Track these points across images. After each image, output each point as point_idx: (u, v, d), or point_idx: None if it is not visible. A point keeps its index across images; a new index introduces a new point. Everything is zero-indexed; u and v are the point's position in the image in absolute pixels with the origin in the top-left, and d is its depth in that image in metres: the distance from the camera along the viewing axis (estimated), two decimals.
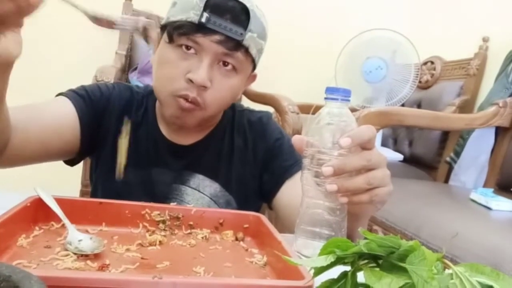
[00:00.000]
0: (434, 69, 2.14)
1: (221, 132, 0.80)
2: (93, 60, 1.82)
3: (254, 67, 0.76)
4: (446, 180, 1.79)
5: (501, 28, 1.91)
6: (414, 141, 2.04)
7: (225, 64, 0.68)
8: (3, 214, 0.46)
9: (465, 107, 1.86)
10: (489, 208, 1.05)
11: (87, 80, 1.53)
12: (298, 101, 1.69)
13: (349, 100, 0.52)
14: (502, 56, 1.77)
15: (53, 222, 0.54)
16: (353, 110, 1.59)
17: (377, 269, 0.33)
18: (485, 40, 1.95)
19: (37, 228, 0.53)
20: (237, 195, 0.78)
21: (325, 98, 0.52)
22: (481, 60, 1.92)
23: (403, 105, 2.02)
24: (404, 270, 0.32)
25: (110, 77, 1.36)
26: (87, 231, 0.54)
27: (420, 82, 2.10)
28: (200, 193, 0.76)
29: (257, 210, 0.84)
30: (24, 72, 2.00)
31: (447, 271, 0.35)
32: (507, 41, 1.80)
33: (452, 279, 0.32)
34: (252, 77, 0.79)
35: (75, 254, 0.46)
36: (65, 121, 0.70)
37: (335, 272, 0.36)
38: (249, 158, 0.79)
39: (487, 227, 0.94)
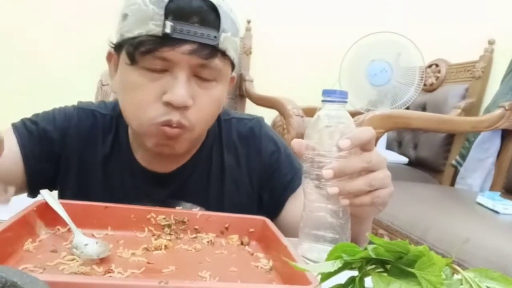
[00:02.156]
0: (439, 71, 2.13)
1: (208, 151, 0.71)
2: (97, 64, 1.83)
3: (233, 69, 0.66)
4: (452, 184, 1.77)
5: (507, 30, 1.90)
6: (419, 144, 2.03)
7: (203, 75, 0.59)
8: (10, 219, 0.46)
9: (471, 110, 1.85)
10: (496, 212, 1.04)
11: (91, 85, 1.54)
12: (303, 105, 1.69)
13: (346, 101, 0.52)
14: (508, 59, 1.76)
15: (59, 227, 0.54)
16: (357, 113, 1.60)
17: (385, 274, 0.33)
18: (491, 42, 1.94)
19: (43, 232, 0.53)
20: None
21: (322, 101, 0.52)
22: (486, 62, 1.91)
23: (408, 108, 2.01)
24: (412, 276, 0.31)
25: None
26: (93, 235, 0.54)
27: (425, 85, 2.10)
28: None
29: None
30: (28, 77, 2.04)
31: (456, 277, 0.34)
32: None
33: (461, 284, 0.32)
34: (232, 80, 0.69)
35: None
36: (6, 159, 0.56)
37: (341, 277, 0.35)
38: (243, 178, 0.72)
39: (495, 231, 0.93)
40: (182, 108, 0.58)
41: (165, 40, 0.55)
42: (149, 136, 0.61)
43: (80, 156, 0.69)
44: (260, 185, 0.73)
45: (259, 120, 0.77)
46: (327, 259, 0.34)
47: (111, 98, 1.34)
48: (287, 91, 1.88)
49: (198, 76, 0.59)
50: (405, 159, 2.01)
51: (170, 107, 0.57)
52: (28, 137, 0.66)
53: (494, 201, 1.07)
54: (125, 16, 0.59)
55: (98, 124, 0.70)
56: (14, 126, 0.67)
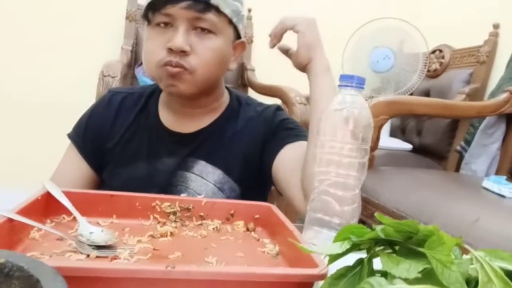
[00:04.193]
0: (443, 57, 2.10)
1: (225, 121, 0.81)
2: (99, 55, 1.83)
3: (237, 33, 0.76)
4: (457, 170, 1.76)
5: None
6: (423, 131, 2.01)
7: (201, 28, 0.70)
8: (15, 208, 0.46)
9: (475, 95, 1.82)
10: (502, 196, 1.03)
11: (93, 76, 1.54)
12: (306, 93, 1.67)
13: (363, 88, 0.51)
14: None
15: (64, 215, 0.54)
16: None
17: (394, 255, 0.32)
18: (496, 26, 1.91)
19: (48, 221, 0.53)
20: (240, 180, 0.78)
21: (339, 86, 0.51)
22: (491, 47, 1.88)
23: (411, 94, 1.99)
24: (422, 256, 0.31)
25: (116, 72, 1.36)
26: (98, 224, 0.54)
27: (428, 71, 2.07)
28: (203, 179, 0.77)
29: (264, 197, 0.86)
30: (30, 69, 2.04)
31: (465, 257, 0.34)
32: None
33: (472, 263, 0.32)
34: (241, 46, 0.79)
35: (89, 246, 0.46)
36: (82, 176, 0.81)
37: (349, 260, 0.35)
38: (251, 139, 0.80)
39: (502, 215, 0.92)
40: (181, 53, 0.69)
41: (167, 0, 0.68)
42: (159, 78, 0.73)
43: (114, 127, 0.81)
44: (263, 141, 0.80)
45: (277, 104, 0.87)
46: (335, 241, 0.34)
47: None
48: (290, 80, 1.85)
49: (197, 29, 0.70)
50: (409, 146, 1.99)
51: (171, 52, 0.69)
52: (82, 142, 0.81)
53: (500, 185, 1.06)
54: None
55: (128, 100, 0.83)
56: (69, 136, 0.83)
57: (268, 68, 2.17)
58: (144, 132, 0.80)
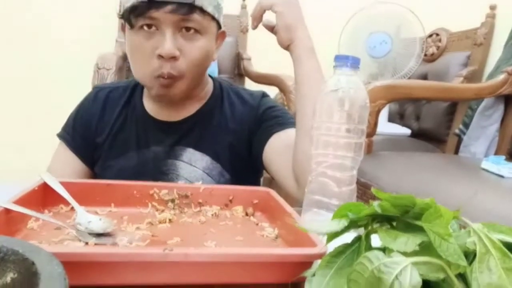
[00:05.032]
0: (440, 41, 2.09)
1: (210, 109, 0.81)
2: (93, 48, 1.81)
3: (218, 25, 0.76)
4: (456, 153, 1.76)
5: None
6: (422, 115, 2.01)
7: (187, 29, 0.70)
8: (12, 198, 0.46)
9: (473, 78, 1.82)
10: (501, 176, 1.03)
11: (88, 68, 1.53)
12: None
13: (358, 68, 0.51)
14: (510, 23, 1.72)
15: (62, 205, 0.54)
16: None
17: (392, 230, 0.32)
18: (492, 7, 1.89)
19: (46, 211, 0.53)
20: (228, 165, 0.79)
21: (334, 66, 0.51)
22: (488, 28, 1.86)
23: (409, 79, 1.98)
24: (419, 229, 0.31)
25: (111, 65, 1.35)
26: (96, 213, 0.54)
27: (425, 55, 2.06)
28: (192, 166, 0.78)
29: (257, 181, 0.88)
30: (24, 61, 2.02)
31: (463, 231, 0.34)
32: None
33: (469, 236, 0.32)
34: (222, 35, 0.80)
35: (87, 234, 0.46)
36: (74, 172, 0.80)
37: (347, 239, 0.35)
38: (237, 125, 0.80)
39: (500, 194, 0.92)
40: (171, 58, 0.69)
41: (151, 4, 0.67)
42: (151, 88, 0.73)
43: (102, 121, 0.81)
44: (250, 130, 0.80)
45: (263, 91, 0.86)
46: (333, 219, 0.34)
47: (108, 81, 1.32)
48: (286, 68, 1.84)
49: (182, 31, 0.70)
50: (407, 131, 1.99)
51: (162, 59, 0.69)
52: (72, 138, 0.81)
53: (499, 165, 1.06)
54: None
55: (113, 94, 0.84)
56: (59, 136, 0.83)
57: (264, 56, 2.16)
58: (132, 123, 0.81)
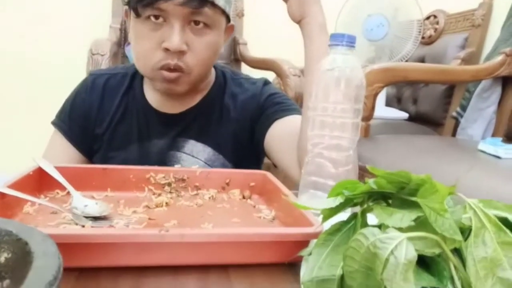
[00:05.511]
0: (437, 23, 2.07)
1: (211, 99, 0.80)
2: (87, 34, 1.78)
3: (228, 19, 0.74)
4: (453, 136, 1.76)
5: None
6: (419, 99, 2.00)
7: (196, 23, 0.67)
8: (6, 182, 0.46)
9: (471, 60, 1.80)
10: (498, 157, 1.03)
11: (82, 54, 1.51)
12: (300, 65, 1.65)
13: (354, 46, 0.50)
14: (508, 4, 1.70)
15: (58, 190, 0.54)
16: None
17: (388, 207, 0.32)
18: None
19: (42, 196, 0.52)
20: (230, 156, 0.78)
21: (329, 45, 0.50)
22: (486, 9, 1.84)
23: (406, 62, 1.97)
24: (415, 205, 0.31)
25: (105, 50, 1.33)
26: (92, 197, 0.53)
27: (423, 37, 2.04)
28: (194, 158, 0.77)
29: (258, 169, 0.85)
30: (18, 47, 2.00)
31: (459, 206, 0.34)
32: None
33: (465, 212, 0.32)
34: (230, 29, 0.77)
35: (84, 217, 0.46)
36: (70, 161, 0.78)
37: (343, 218, 0.35)
38: (238, 115, 0.79)
39: (497, 175, 0.92)
40: (178, 53, 0.66)
41: None
42: (154, 80, 0.71)
43: (102, 111, 0.79)
44: (252, 118, 0.78)
45: (265, 78, 0.84)
46: (328, 197, 0.34)
47: (103, 67, 1.31)
48: (283, 53, 1.83)
49: (191, 24, 0.67)
50: (405, 115, 1.99)
51: (168, 52, 0.66)
52: (69, 128, 0.78)
53: (496, 146, 1.06)
54: None
55: (111, 82, 0.80)
56: (54, 124, 0.80)
57: (261, 41, 2.14)
58: (132, 114, 0.79)
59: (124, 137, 0.78)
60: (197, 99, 0.79)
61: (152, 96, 0.79)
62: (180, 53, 0.66)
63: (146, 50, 0.67)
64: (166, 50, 0.65)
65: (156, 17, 0.65)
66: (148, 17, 0.66)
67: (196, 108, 0.78)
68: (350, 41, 0.48)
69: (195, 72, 0.69)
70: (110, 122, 0.78)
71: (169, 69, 0.67)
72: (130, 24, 0.71)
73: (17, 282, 0.21)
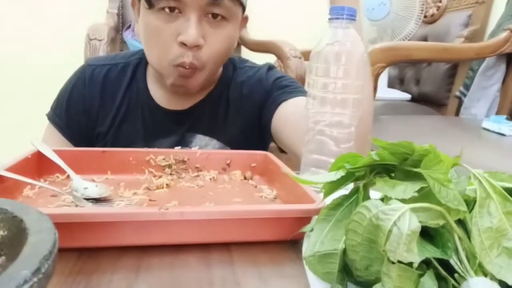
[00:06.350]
0: (440, 1, 2.03)
1: (219, 92, 0.77)
2: (84, 19, 1.76)
3: (243, 9, 0.71)
4: (457, 115, 1.75)
5: None
6: (422, 79, 1.98)
7: (214, 16, 0.63)
8: (4, 165, 0.45)
9: (475, 38, 1.77)
10: (502, 135, 1.03)
11: (79, 39, 1.48)
12: (300, 47, 1.63)
13: (354, 19, 0.48)
14: None
15: (58, 174, 0.54)
16: None
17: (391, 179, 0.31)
18: None
19: (42, 180, 0.52)
20: (238, 147, 0.75)
21: (329, 19, 0.49)
22: None
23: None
24: (418, 177, 0.30)
25: (103, 35, 1.31)
26: (93, 180, 0.53)
27: (425, 16, 2.00)
28: None
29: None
30: (14, 33, 1.98)
31: (463, 177, 0.33)
32: None
33: (469, 184, 0.31)
34: (244, 20, 0.74)
35: (85, 200, 0.46)
36: None
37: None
38: (245, 104, 0.77)
39: (501, 152, 0.92)
40: (194, 47, 0.63)
41: None
42: (168, 76, 0.67)
43: (103, 108, 0.75)
44: (260, 105, 0.76)
45: (269, 63, 0.82)
46: (330, 171, 0.33)
47: (100, 53, 1.29)
48: (282, 35, 1.80)
49: (208, 16, 0.63)
50: (408, 96, 1.97)
51: (184, 47, 0.62)
52: (66, 126, 0.74)
53: (500, 124, 1.05)
54: None
55: (111, 74, 0.76)
56: (49, 118, 0.76)
57: (260, 24, 2.11)
58: (137, 112, 0.75)
59: (129, 137, 0.74)
60: (205, 92, 0.76)
61: (157, 92, 0.75)
62: (196, 48, 0.63)
63: (160, 44, 0.64)
64: (182, 44, 0.62)
65: (172, 9, 0.61)
66: (162, 9, 0.62)
67: (203, 102, 0.76)
68: (350, 14, 0.47)
69: (209, 66, 0.67)
70: (113, 120, 0.74)
71: (184, 67, 0.64)
72: (140, 15, 0.67)
73: (13, 259, 0.20)
